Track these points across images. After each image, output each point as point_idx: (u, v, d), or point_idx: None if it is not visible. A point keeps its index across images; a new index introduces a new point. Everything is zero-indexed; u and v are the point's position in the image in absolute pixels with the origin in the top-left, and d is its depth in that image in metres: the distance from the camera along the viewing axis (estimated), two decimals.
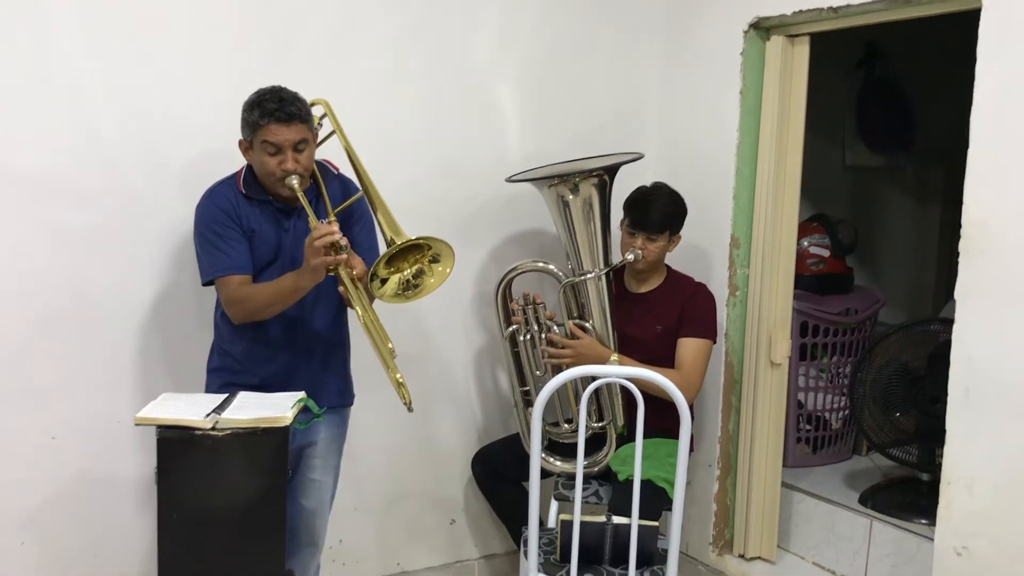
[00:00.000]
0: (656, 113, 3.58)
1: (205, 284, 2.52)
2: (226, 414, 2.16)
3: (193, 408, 2.19)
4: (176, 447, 2.12)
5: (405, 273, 2.39)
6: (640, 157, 3.03)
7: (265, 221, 2.52)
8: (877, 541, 3.23)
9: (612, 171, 2.98)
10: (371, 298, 2.45)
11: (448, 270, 2.41)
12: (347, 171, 2.62)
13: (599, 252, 2.95)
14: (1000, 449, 2.44)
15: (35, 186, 2.64)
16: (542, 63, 3.36)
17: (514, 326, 3.01)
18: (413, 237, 2.34)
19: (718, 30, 3.31)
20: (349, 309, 2.63)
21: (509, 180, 3.09)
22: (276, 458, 2.17)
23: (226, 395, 2.32)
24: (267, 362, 2.56)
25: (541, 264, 3.06)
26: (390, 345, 2.41)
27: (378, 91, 3.08)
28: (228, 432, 2.11)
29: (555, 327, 2.98)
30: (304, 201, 2.42)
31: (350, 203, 2.54)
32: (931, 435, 3.20)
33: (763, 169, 3.24)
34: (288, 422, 2.16)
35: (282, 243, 2.53)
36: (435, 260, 2.40)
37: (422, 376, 3.25)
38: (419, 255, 2.39)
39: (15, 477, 2.71)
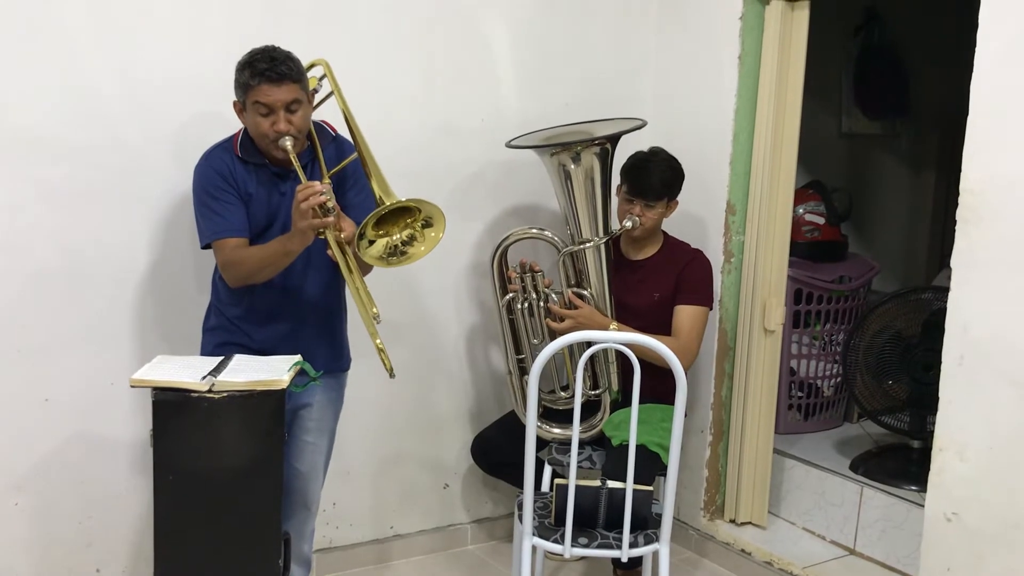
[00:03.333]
0: (653, 76, 3.55)
1: (204, 247, 2.50)
2: (222, 377, 2.15)
3: (189, 370, 2.18)
4: (172, 409, 2.12)
5: (395, 238, 2.36)
6: (643, 125, 3.00)
7: (261, 185, 2.49)
8: (867, 507, 3.26)
9: (615, 140, 2.96)
10: (362, 266, 2.43)
11: (440, 235, 2.37)
12: (345, 133, 2.59)
13: (599, 220, 2.94)
14: (993, 416, 2.45)
15: (28, 143, 2.61)
16: (539, 25, 3.33)
17: (511, 294, 3.00)
18: (403, 199, 2.31)
19: None
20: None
21: (509, 145, 3.06)
22: (273, 421, 2.18)
23: (222, 358, 2.32)
24: (262, 328, 2.55)
25: (535, 230, 3.05)
26: (375, 310, 2.38)
27: (374, 53, 3.04)
28: (224, 395, 2.11)
29: (553, 295, 2.97)
30: (296, 163, 2.38)
31: (345, 164, 2.50)
32: (923, 402, 3.23)
33: (760, 135, 3.22)
34: (285, 385, 2.16)
35: (279, 207, 2.50)
36: (427, 224, 2.37)
37: (416, 342, 3.25)
38: (410, 219, 2.36)
39: (8, 439, 2.70)
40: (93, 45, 2.65)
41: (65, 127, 2.65)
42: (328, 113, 2.63)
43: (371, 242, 2.33)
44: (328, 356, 2.63)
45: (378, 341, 2.37)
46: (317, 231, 2.31)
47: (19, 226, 2.64)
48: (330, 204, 2.29)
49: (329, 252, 2.39)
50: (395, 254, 2.36)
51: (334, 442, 2.74)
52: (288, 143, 2.37)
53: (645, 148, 3.10)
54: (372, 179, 2.43)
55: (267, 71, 2.33)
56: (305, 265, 2.52)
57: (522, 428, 2.47)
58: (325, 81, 2.58)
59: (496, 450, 3.14)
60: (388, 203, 2.30)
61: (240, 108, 2.44)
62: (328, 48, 2.89)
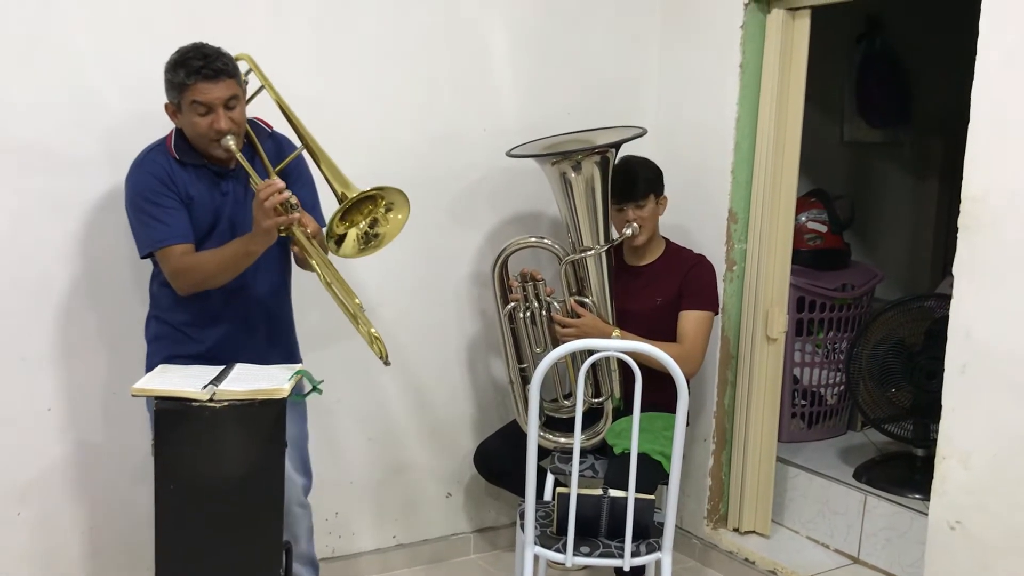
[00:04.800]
0: (655, 85, 3.55)
1: (144, 257, 2.44)
2: (223, 386, 2.16)
3: (190, 380, 2.19)
4: (173, 418, 2.12)
5: (360, 227, 2.33)
6: (643, 133, 3.00)
7: (202, 186, 2.42)
8: (871, 516, 3.25)
9: (615, 148, 2.96)
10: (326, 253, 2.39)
11: (403, 217, 2.33)
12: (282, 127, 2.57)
13: (600, 228, 2.94)
14: (996, 424, 2.45)
15: (32, 153, 2.62)
16: (541, 34, 3.33)
17: (512, 303, 3.00)
18: (366, 189, 2.28)
19: (719, 2, 3.27)
20: (291, 278, 2.61)
21: (509, 154, 3.06)
22: (273, 430, 2.18)
23: (223, 367, 2.32)
24: (208, 331, 2.48)
25: (535, 239, 3.04)
26: (357, 300, 2.34)
27: (376, 62, 3.05)
28: (225, 404, 2.12)
29: (555, 303, 2.97)
30: (244, 161, 2.33)
31: (290, 160, 2.44)
32: (926, 410, 3.22)
33: (762, 144, 3.22)
34: (286, 394, 2.16)
35: (221, 208, 2.44)
36: (389, 209, 2.33)
37: (418, 352, 3.25)
38: (372, 206, 2.33)
39: (11, 448, 2.71)
40: (96, 56, 2.66)
41: (69, 138, 2.65)
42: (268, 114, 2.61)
43: (341, 237, 2.30)
44: (280, 359, 2.56)
45: (372, 329, 2.32)
46: (280, 229, 2.28)
47: (23, 236, 2.65)
48: (293, 200, 2.26)
49: (295, 249, 2.36)
50: (369, 240, 2.34)
51: (307, 442, 2.69)
52: (231, 142, 2.32)
53: (638, 156, 3.11)
54: (323, 169, 2.38)
55: (203, 68, 2.28)
56: (255, 267, 2.44)
57: (524, 437, 2.46)
58: (252, 76, 2.52)
59: (498, 459, 3.14)
60: (351, 195, 2.27)
61: (174, 110, 2.38)
62: (331, 58, 2.93)
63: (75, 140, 2.66)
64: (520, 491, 2.99)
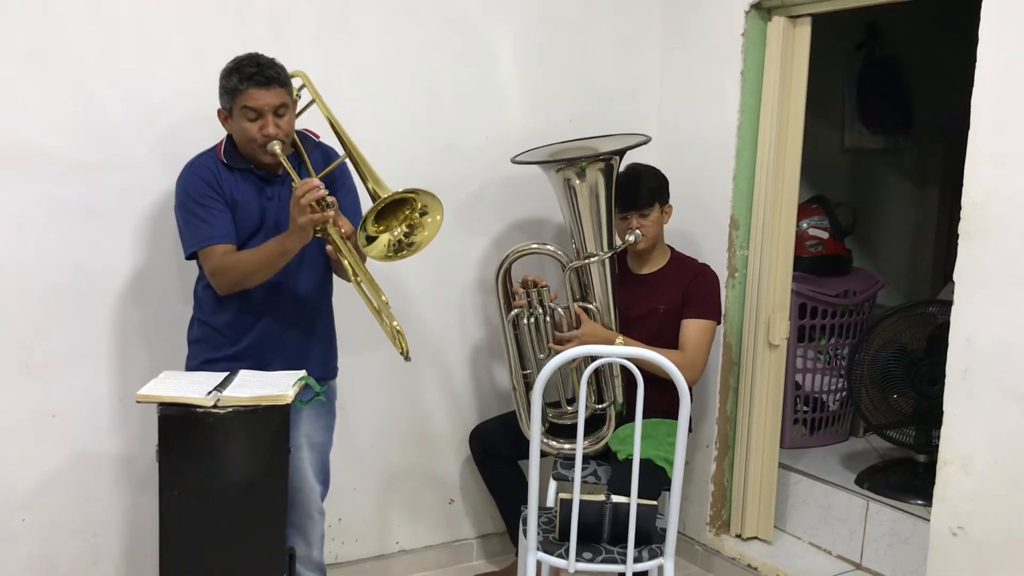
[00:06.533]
0: (656, 93, 3.57)
1: (188, 258, 2.50)
2: (227, 392, 2.17)
3: (194, 386, 2.20)
4: (178, 425, 2.13)
5: (396, 233, 2.38)
6: (647, 141, 3.02)
7: (248, 190, 2.49)
8: (873, 522, 3.25)
9: (620, 155, 2.97)
10: (362, 256, 2.44)
11: (439, 218, 2.39)
12: (329, 140, 2.63)
13: (603, 234, 2.95)
14: (997, 430, 2.45)
15: (36, 160, 2.64)
16: (543, 43, 3.35)
17: (516, 310, 3.01)
18: (400, 190, 2.33)
19: (719, 10, 3.29)
20: (332, 278, 2.65)
21: (514, 161, 3.08)
22: (277, 436, 2.19)
23: (227, 373, 2.33)
24: (249, 329, 2.53)
25: (537, 246, 3.05)
26: (384, 298, 2.40)
27: (378, 70, 3.07)
28: (230, 410, 2.13)
29: (559, 309, 2.98)
30: (287, 165, 2.39)
31: (334, 167, 2.52)
32: (928, 416, 3.23)
33: (763, 151, 3.23)
34: (289, 400, 2.17)
35: (266, 211, 2.50)
36: (424, 213, 2.38)
37: (421, 357, 3.25)
38: (407, 210, 2.38)
39: (16, 455, 2.72)
40: (100, 64, 2.68)
41: (72, 145, 2.67)
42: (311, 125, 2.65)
43: (371, 239, 2.34)
44: (317, 359, 2.62)
45: (395, 323, 2.38)
46: (316, 228, 2.33)
47: (27, 243, 2.66)
48: (329, 199, 2.31)
49: (329, 249, 2.40)
50: (402, 248, 2.38)
51: (330, 451, 2.73)
52: (277, 147, 2.39)
53: (644, 165, 3.11)
54: (367, 179, 2.44)
55: (255, 75, 2.36)
56: (298, 264, 2.51)
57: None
58: (305, 91, 2.59)
59: (493, 437, 3.14)
60: (384, 196, 2.32)
61: (226, 116, 2.45)
62: (334, 68, 2.94)
63: (77, 147, 2.68)
64: (505, 483, 3.01)
